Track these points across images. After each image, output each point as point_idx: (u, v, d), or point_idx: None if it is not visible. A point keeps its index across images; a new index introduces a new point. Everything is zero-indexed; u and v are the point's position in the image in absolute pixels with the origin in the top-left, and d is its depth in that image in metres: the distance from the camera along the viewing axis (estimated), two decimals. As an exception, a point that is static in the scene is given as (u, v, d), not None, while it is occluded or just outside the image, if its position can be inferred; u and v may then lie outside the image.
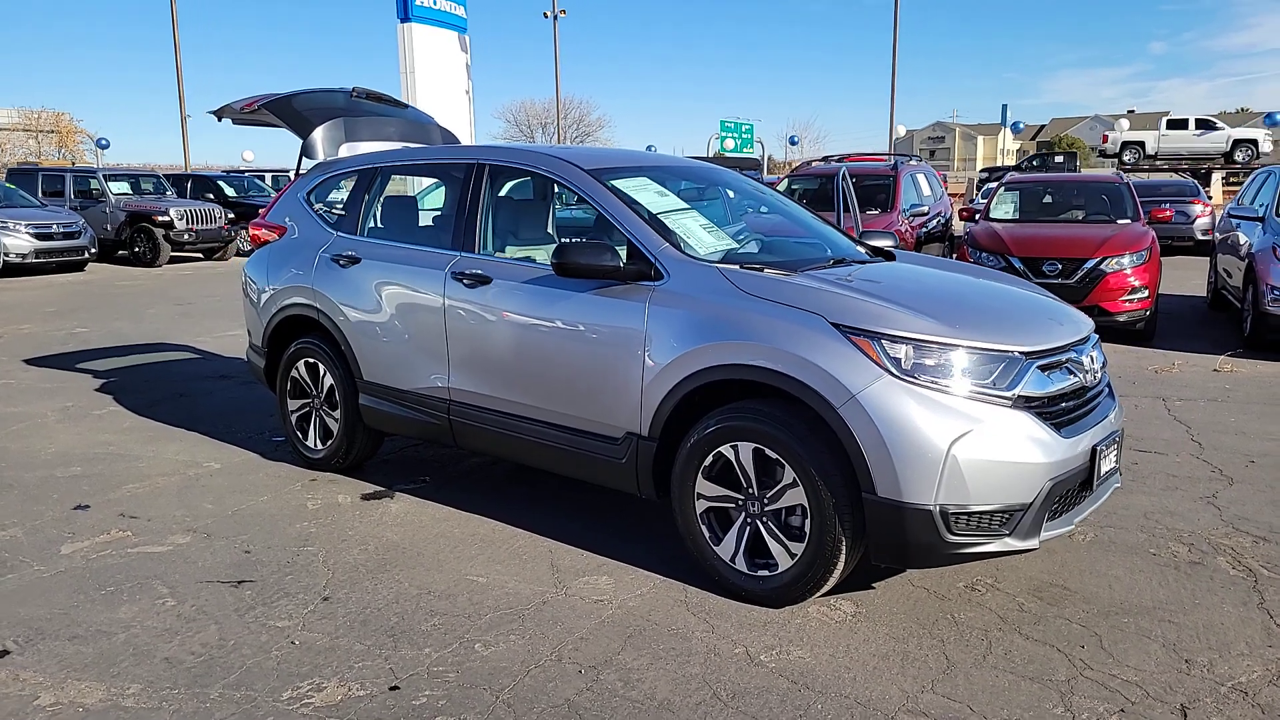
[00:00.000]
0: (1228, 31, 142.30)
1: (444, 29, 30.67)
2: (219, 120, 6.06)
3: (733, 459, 3.48)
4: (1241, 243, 9.42)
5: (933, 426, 3.10)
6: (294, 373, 5.18)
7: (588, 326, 3.86)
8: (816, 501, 3.26)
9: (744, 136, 40.36)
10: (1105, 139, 31.36)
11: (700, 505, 3.60)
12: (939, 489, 3.09)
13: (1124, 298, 8.64)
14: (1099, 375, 3.66)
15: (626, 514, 4.46)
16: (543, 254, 4.54)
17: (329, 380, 5.00)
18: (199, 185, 21.64)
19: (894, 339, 3.22)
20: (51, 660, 3.15)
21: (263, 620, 3.42)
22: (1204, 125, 29.87)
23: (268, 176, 24.75)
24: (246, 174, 24.31)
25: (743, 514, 3.51)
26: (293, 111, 5.60)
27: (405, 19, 29.49)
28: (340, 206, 5.22)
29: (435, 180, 5.17)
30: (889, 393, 3.14)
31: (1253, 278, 8.65)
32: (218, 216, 18.94)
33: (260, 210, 6.80)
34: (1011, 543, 3.20)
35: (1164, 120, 30.75)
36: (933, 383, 3.17)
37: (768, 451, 3.38)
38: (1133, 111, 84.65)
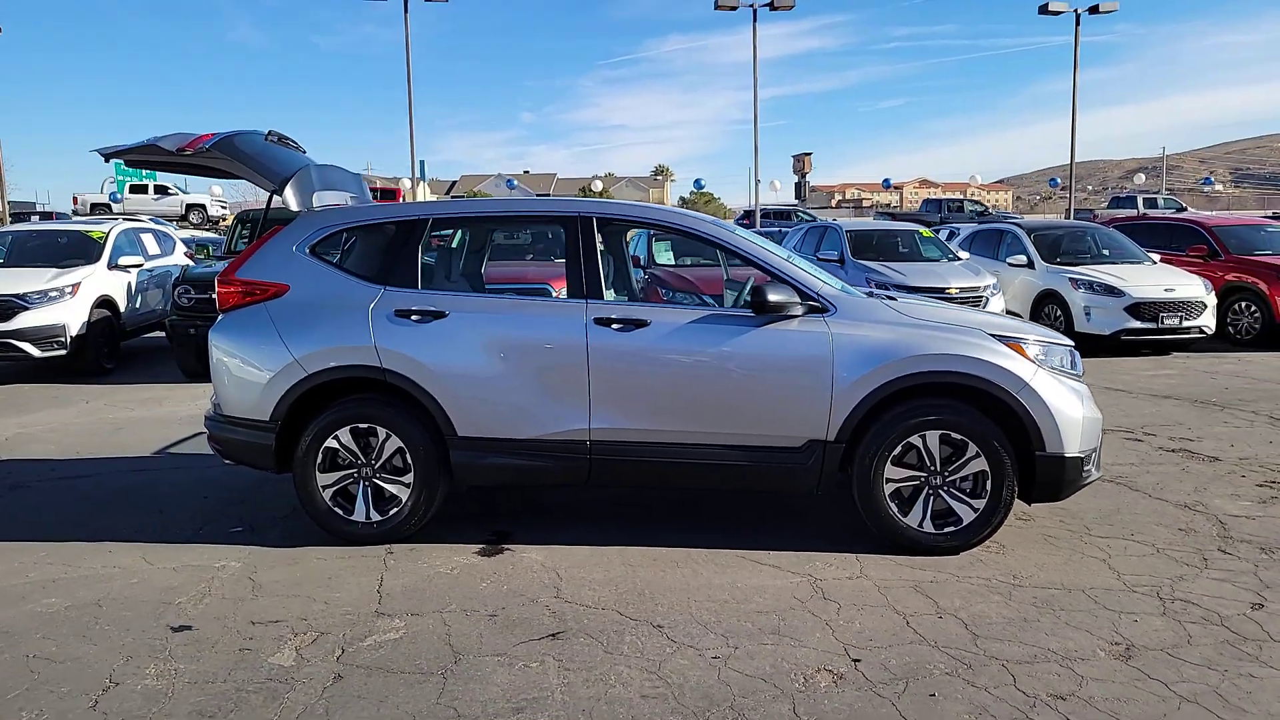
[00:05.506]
0: (579, 108, 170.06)
1: None
2: (106, 161, 5.07)
3: (920, 445, 4.50)
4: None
5: (1072, 399, 4.53)
6: (331, 443, 4.72)
7: (772, 356, 4.53)
8: (998, 465, 4.46)
9: (144, 179, 37.67)
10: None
11: (889, 488, 4.54)
12: (1080, 441, 4.52)
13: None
14: None
15: (755, 519, 5.09)
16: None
17: (393, 444, 4.70)
18: None
19: (1030, 342, 4.58)
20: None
21: (643, 652, 3.55)
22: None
23: None
24: None
25: (925, 488, 4.55)
26: (244, 155, 5.02)
27: None
28: (372, 260, 4.89)
29: (502, 230, 5.13)
30: (1044, 380, 4.50)
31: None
32: None
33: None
34: (1094, 473, 4.74)
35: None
36: (1058, 370, 4.60)
37: (953, 434, 4.48)
38: (527, 172, 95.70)
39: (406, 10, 26.26)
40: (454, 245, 5.11)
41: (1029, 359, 4.53)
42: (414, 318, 4.68)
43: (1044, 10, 27.39)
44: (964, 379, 4.47)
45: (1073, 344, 4.90)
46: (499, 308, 4.74)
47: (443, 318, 4.68)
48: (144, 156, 5.00)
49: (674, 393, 4.60)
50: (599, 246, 4.77)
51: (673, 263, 12.13)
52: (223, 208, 37.98)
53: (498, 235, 5.25)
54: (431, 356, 4.65)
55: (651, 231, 12.33)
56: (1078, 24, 28.34)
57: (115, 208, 34.29)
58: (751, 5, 26.69)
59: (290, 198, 5.00)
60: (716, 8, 26.22)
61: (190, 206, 36.23)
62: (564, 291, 6.06)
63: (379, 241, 4.95)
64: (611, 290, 5.59)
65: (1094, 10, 27.72)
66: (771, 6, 26.24)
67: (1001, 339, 4.55)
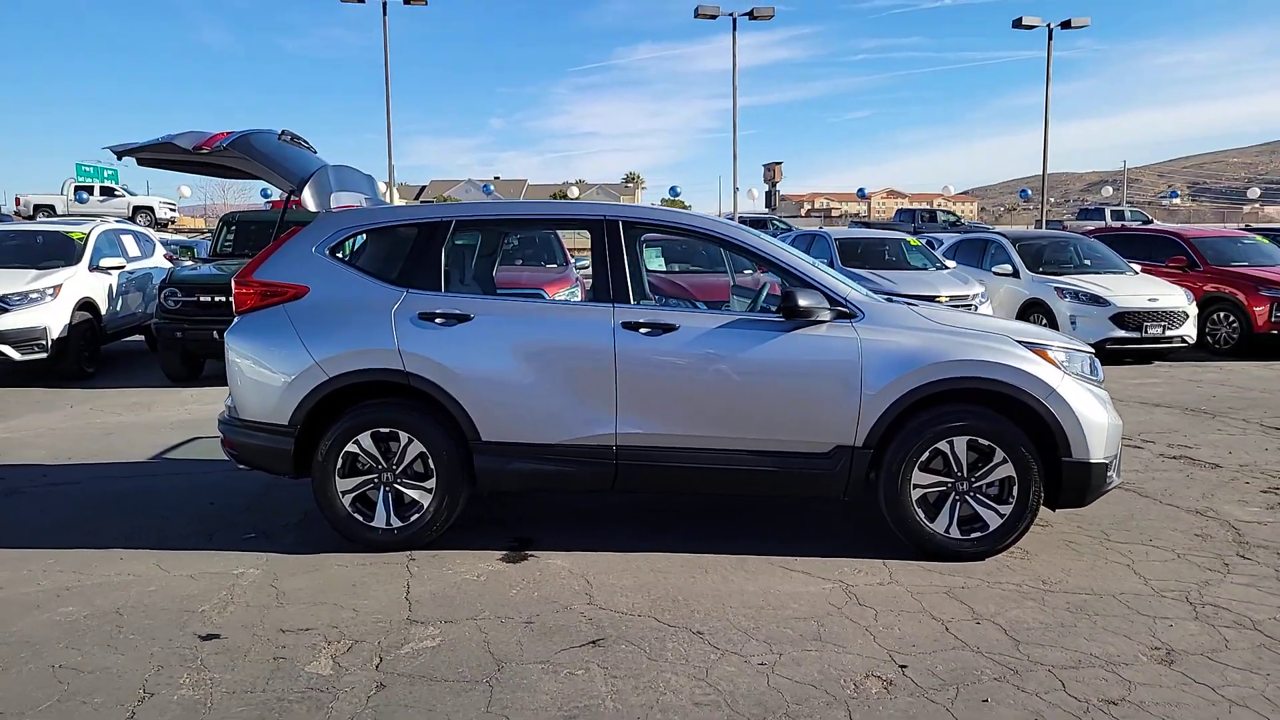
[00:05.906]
0: (550, 115, 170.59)
1: None
2: (119, 159, 4.97)
3: (948, 451, 4.51)
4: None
5: (1096, 405, 4.57)
6: (351, 448, 4.64)
7: (801, 361, 4.52)
8: (1025, 470, 4.47)
9: (105, 180, 37.09)
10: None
11: (915, 494, 4.54)
12: (1105, 447, 4.55)
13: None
14: None
15: (777, 524, 5.07)
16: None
17: (415, 449, 4.63)
18: None
19: (1055, 349, 4.61)
20: None
21: (688, 659, 3.51)
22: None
23: None
24: None
25: (953, 494, 4.55)
26: (260, 154, 4.95)
27: None
28: (394, 262, 4.82)
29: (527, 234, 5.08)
30: (1070, 386, 4.52)
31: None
32: None
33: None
34: (1115, 479, 4.78)
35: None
36: (1081, 377, 4.63)
37: (980, 440, 4.49)
38: (498, 178, 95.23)
39: (385, 13, 26.09)
40: (452, 248, 5.02)
41: (1055, 365, 4.56)
42: (438, 320, 4.62)
43: (1018, 24, 27.80)
44: (993, 385, 4.48)
45: (1093, 350, 4.94)
46: (525, 311, 4.69)
47: (467, 321, 4.62)
48: (158, 155, 4.90)
49: (702, 397, 4.57)
50: (624, 251, 4.73)
51: (663, 269, 12.12)
52: (171, 210, 37.12)
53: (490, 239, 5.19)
54: (456, 360, 4.58)
55: (644, 236, 12.24)
56: (1050, 39, 28.80)
57: (82, 209, 33.54)
58: (731, 14, 26.83)
59: (309, 198, 4.92)
60: (697, 16, 26.34)
61: (137, 209, 35.15)
62: (559, 296, 6.04)
63: (400, 244, 4.88)
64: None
65: (1066, 25, 28.20)
66: (751, 16, 26.40)
67: (1027, 345, 4.58)
